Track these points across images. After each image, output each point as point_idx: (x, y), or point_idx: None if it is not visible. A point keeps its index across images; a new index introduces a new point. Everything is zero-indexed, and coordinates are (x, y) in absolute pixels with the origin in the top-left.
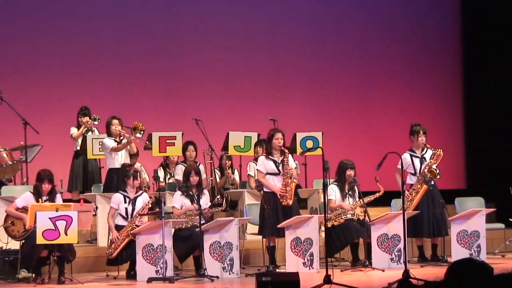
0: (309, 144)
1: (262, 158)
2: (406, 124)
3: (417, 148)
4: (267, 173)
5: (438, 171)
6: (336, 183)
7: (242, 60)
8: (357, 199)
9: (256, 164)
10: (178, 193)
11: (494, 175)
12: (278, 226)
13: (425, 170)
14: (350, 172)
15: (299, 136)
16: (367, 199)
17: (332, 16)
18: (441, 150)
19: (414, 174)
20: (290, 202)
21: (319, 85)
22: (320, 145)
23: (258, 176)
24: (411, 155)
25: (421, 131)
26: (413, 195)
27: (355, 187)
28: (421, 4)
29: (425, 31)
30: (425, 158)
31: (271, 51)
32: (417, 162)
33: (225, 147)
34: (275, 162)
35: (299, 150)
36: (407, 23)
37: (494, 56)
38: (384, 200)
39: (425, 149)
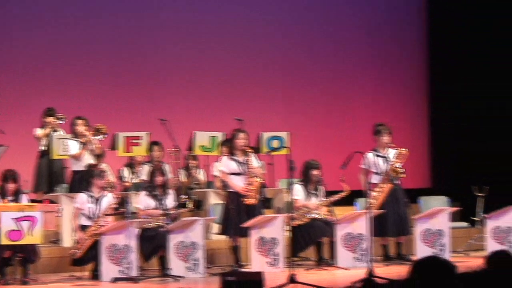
0: (275, 143)
1: (225, 158)
2: (373, 123)
3: (381, 147)
4: (231, 173)
5: (402, 170)
6: (301, 183)
7: (210, 59)
8: (322, 198)
9: None
10: (143, 193)
11: (458, 175)
12: (244, 225)
13: (389, 169)
14: (315, 172)
15: (265, 135)
16: (332, 198)
17: (301, 12)
18: (405, 149)
19: (378, 174)
20: (254, 201)
21: (288, 84)
22: (286, 144)
23: (222, 176)
24: (375, 155)
25: (384, 131)
26: (377, 194)
27: (320, 186)
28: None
29: (393, 28)
30: (389, 158)
31: (239, 49)
32: (381, 161)
33: (191, 147)
34: (238, 162)
35: (265, 149)
36: (375, 18)
37: (460, 55)
38: (350, 200)
39: (389, 148)
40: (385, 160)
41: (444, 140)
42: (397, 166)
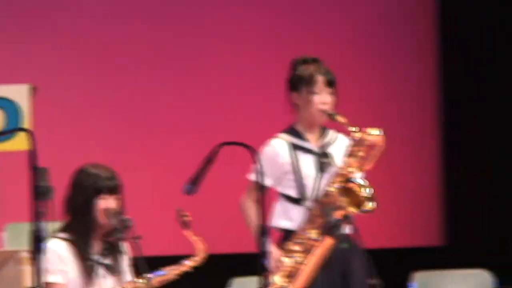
0: None
1: None
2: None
3: (309, 125)
4: None
5: (368, 189)
6: (69, 235)
7: None
8: (131, 274)
9: None
10: None
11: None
12: None
13: (334, 187)
14: (107, 202)
15: None
16: (160, 276)
17: None
18: (377, 132)
19: (298, 202)
20: None
21: None
22: (24, 124)
23: None
24: (292, 145)
25: (320, 77)
26: (297, 260)
27: (123, 242)
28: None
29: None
30: (330, 155)
31: None
32: (308, 161)
33: None
34: None
35: None
36: None
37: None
38: (214, 276)
39: (330, 131)
40: (320, 160)
41: (467, 160)
42: (357, 178)
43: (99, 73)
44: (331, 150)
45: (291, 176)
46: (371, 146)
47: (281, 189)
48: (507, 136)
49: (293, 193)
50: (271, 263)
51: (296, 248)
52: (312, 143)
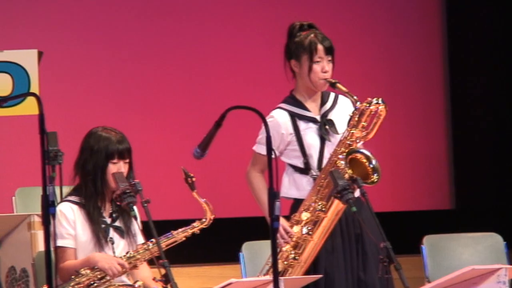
0: None
1: None
2: None
3: (310, 93)
4: None
5: (374, 161)
6: (81, 199)
7: None
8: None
9: None
10: None
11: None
12: None
13: (337, 157)
14: (118, 166)
15: None
16: (167, 240)
17: None
18: (378, 100)
19: (306, 171)
20: None
21: None
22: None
23: None
24: (294, 115)
25: (320, 46)
26: (304, 231)
27: (131, 207)
28: None
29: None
30: (332, 124)
31: None
32: (311, 130)
33: None
34: None
35: None
36: None
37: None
38: (227, 240)
39: (330, 96)
40: (323, 128)
41: (479, 119)
42: (362, 149)
43: (105, 34)
44: (332, 115)
45: (295, 147)
46: (373, 115)
47: (287, 159)
48: None
49: (298, 163)
50: (278, 233)
51: (304, 218)
52: (313, 111)
